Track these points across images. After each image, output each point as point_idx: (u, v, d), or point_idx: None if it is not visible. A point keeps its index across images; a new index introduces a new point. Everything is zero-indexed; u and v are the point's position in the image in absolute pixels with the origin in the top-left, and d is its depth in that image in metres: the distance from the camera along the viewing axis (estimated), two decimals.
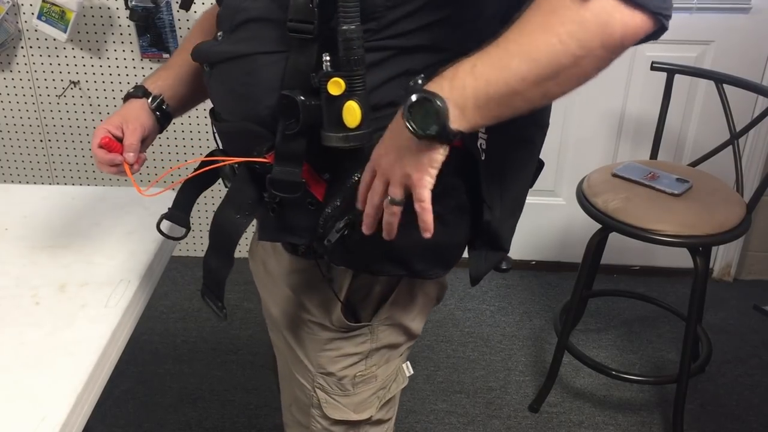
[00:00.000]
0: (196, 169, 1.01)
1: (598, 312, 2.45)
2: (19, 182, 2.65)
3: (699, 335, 2.06)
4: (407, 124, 0.76)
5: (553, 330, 2.19)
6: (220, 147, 1.02)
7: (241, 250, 3.04)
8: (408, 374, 1.13)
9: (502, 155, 0.94)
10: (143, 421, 2.01)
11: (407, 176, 0.80)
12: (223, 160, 0.96)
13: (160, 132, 1.09)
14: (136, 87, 1.07)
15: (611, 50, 0.73)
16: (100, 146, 1.01)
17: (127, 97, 1.07)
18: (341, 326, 1.02)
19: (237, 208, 0.94)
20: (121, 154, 1.01)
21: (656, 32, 0.74)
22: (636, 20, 0.72)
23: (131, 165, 1.01)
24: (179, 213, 1.05)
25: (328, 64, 0.82)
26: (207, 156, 0.99)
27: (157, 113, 1.06)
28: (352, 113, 0.82)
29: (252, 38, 0.91)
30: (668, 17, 0.74)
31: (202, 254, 1.00)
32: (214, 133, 1.03)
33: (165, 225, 1.04)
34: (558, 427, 2.00)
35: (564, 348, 2.01)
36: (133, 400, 2.08)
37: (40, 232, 1.22)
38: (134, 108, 1.05)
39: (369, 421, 1.10)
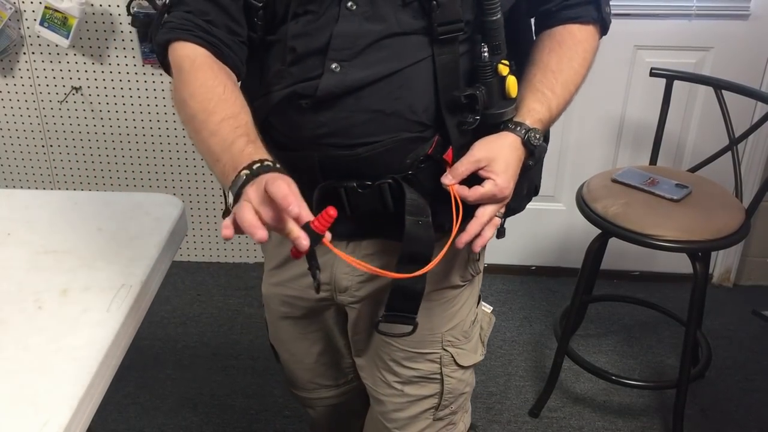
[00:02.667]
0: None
1: (598, 317, 2.45)
2: (22, 187, 2.65)
3: (698, 340, 2.06)
4: (529, 163, 1.01)
5: (553, 335, 2.19)
6: (314, 179, 1.02)
7: (242, 255, 3.02)
8: (489, 311, 1.28)
9: None
10: (144, 426, 2.02)
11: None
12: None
13: None
14: (275, 164, 0.87)
15: None
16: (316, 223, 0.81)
17: (266, 170, 0.86)
18: (466, 279, 1.17)
19: (417, 216, 1.01)
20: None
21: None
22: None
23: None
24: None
25: (486, 53, 0.98)
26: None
27: None
28: (514, 85, 0.99)
29: (391, 56, 0.97)
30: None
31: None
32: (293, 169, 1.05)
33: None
34: None
35: (564, 353, 2.01)
36: (134, 404, 2.08)
37: (43, 237, 1.23)
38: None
39: (477, 363, 1.25)
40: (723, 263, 2.61)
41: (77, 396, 0.88)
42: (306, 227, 0.80)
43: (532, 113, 1.01)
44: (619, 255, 2.37)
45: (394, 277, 0.95)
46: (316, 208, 1.04)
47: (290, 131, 1.02)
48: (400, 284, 1.03)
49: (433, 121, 1.00)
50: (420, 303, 1.07)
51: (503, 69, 0.98)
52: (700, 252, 1.79)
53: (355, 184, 1.01)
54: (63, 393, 0.88)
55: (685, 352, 1.85)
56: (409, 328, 1.08)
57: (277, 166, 0.87)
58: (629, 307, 2.47)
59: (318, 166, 1.01)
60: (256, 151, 0.88)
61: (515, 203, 1.08)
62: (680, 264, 2.34)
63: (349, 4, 0.95)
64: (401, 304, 1.06)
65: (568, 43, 1.05)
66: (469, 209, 0.99)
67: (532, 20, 1.13)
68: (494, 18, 0.97)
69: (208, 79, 0.95)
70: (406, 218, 0.99)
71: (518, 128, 0.99)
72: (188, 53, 0.97)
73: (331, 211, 0.79)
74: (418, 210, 1.00)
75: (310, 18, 0.98)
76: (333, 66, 0.96)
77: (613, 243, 1.89)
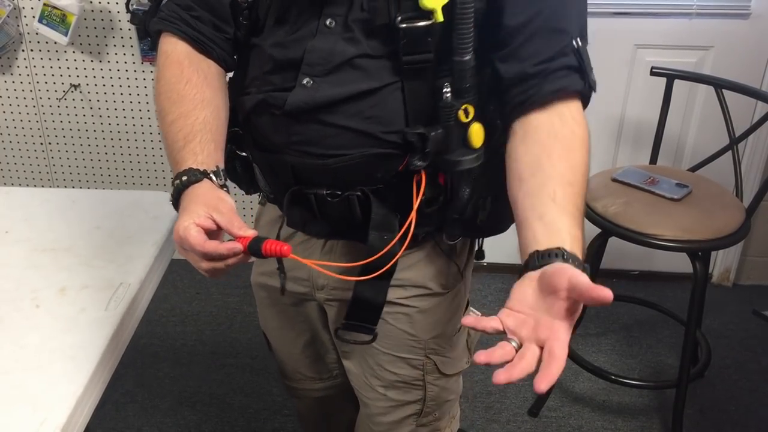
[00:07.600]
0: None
1: (598, 316, 2.45)
2: (20, 185, 2.65)
3: (698, 340, 2.06)
4: None
5: None
6: (287, 185, 1.03)
7: None
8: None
9: None
10: (142, 425, 2.01)
11: None
12: None
13: None
14: (188, 172, 0.93)
15: None
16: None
17: (187, 185, 0.92)
18: (449, 287, 1.14)
19: (381, 231, 0.99)
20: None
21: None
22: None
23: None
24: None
25: (449, 94, 0.90)
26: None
27: (225, 187, 0.94)
28: (478, 135, 0.92)
29: (364, 77, 0.95)
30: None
31: None
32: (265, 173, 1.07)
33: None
34: (557, 431, 2.00)
35: None
36: (133, 403, 2.08)
37: (41, 235, 1.23)
38: (207, 191, 0.91)
39: (462, 371, 1.23)
40: (723, 263, 2.61)
41: (75, 395, 0.88)
42: (256, 242, 0.86)
43: (576, 241, 0.85)
44: (618, 254, 2.37)
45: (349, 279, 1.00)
46: (286, 211, 1.07)
47: (265, 134, 1.03)
48: (360, 295, 1.05)
49: (405, 142, 0.97)
50: (380, 315, 1.07)
51: (462, 116, 0.91)
52: (700, 251, 1.79)
53: (325, 192, 1.00)
54: (61, 392, 0.88)
55: (685, 351, 1.84)
56: (369, 337, 1.09)
57: (192, 178, 0.92)
58: (629, 307, 2.47)
59: (291, 171, 1.02)
60: (185, 157, 0.94)
61: (505, 225, 1.07)
62: (680, 263, 2.34)
63: (328, 21, 0.95)
64: (361, 315, 1.07)
65: (574, 146, 0.96)
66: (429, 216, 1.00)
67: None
68: (463, 59, 0.89)
69: (173, 76, 0.99)
70: (370, 232, 0.99)
71: (576, 263, 0.82)
72: (166, 49, 1.01)
73: (285, 250, 0.85)
74: (383, 225, 0.99)
75: (288, 29, 0.98)
76: (305, 81, 0.95)
77: (613, 242, 1.89)
